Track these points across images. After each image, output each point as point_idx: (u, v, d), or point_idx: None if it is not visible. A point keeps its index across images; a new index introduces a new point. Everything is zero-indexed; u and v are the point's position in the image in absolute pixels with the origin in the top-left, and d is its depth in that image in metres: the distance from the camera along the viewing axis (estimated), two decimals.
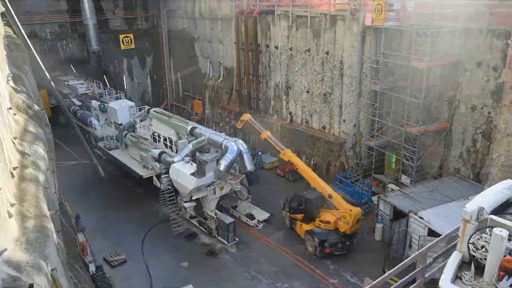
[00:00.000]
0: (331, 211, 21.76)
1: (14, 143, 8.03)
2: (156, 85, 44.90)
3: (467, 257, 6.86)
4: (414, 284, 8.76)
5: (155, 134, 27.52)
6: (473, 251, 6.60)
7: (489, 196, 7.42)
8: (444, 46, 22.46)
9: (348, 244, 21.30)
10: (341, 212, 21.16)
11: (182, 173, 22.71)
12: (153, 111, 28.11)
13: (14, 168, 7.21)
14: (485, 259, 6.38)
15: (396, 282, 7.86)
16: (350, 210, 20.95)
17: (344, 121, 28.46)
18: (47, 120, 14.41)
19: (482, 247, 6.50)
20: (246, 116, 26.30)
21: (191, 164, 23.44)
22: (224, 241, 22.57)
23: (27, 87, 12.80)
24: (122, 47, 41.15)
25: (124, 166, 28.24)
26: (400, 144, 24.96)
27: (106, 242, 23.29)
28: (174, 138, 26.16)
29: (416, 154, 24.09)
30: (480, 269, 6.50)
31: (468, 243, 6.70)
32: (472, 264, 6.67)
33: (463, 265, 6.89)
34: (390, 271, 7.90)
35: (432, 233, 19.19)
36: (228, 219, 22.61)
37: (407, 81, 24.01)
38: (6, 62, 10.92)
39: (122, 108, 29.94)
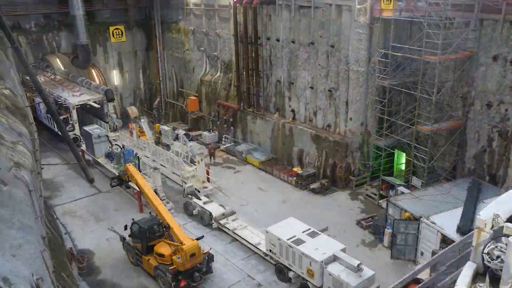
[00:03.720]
0: (169, 242, 20.29)
1: None
2: (149, 80, 44.89)
3: (481, 267, 6.85)
4: None
5: None
6: (488, 261, 6.58)
7: (505, 203, 7.42)
8: (457, 39, 22.45)
9: (205, 270, 20.32)
10: (175, 245, 19.76)
11: None
12: None
13: None
14: (501, 270, 6.36)
15: None
16: (182, 243, 19.35)
17: (350, 119, 28.47)
18: (32, 118, 14.41)
19: (498, 257, 6.48)
20: (128, 168, 24.65)
21: None
22: None
23: (10, 83, 12.81)
24: (112, 40, 41.07)
25: None
26: (411, 143, 24.97)
27: None
28: None
29: (428, 155, 24.09)
30: (495, 281, 6.48)
31: (483, 252, 6.69)
32: (487, 275, 6.66)
33: (478, 276, 6.89)
34: (400, 280, 7.92)
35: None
36: None
37: (418, 76, 24.01)
38: None
39: None
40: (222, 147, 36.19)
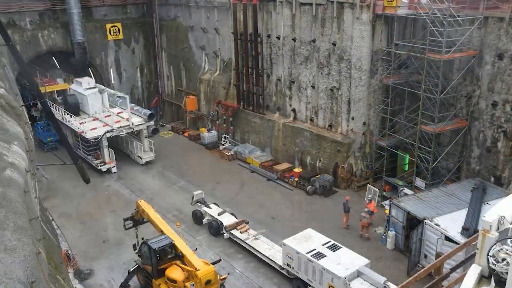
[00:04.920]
0: (182, 266, 18.65)
1: None
2: (147, 79, 44.88)
3: (486, 270, 6.85)
4: None
5: None
6: (493, 264, 6.57)
7: (511, 204, 7.41)
8: (462, 37, 22.45)
9: None
10: (189, 270, 18.17)
11: None
12: None
13: None
14: (507, 273, 6.35)
15: None
16: (196, 269, 17.77)
17: (352, 118, 28.47)
18: (27, 118, 14.41)
19: (503, 260, 6.48)
20: (140, 204, 21.33)
21: None
22: None
23: (4, 82, 12.82)
24: (109, 37, 41.08)
25: None
26: (414, 144, 24.97)
27: None
28: None
29: (432, 155, 24.08)
30: (501, 284, 6.47)
31: (488, 255, 6.68)
32: (492, 278, 6.65)
33: (482, 279, 6.88)
34: (402, 284, 7.91)
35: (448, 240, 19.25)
36: None
37: (421, 75, 24.01)
38: None
39: None
40: (221, 147, 36.19)
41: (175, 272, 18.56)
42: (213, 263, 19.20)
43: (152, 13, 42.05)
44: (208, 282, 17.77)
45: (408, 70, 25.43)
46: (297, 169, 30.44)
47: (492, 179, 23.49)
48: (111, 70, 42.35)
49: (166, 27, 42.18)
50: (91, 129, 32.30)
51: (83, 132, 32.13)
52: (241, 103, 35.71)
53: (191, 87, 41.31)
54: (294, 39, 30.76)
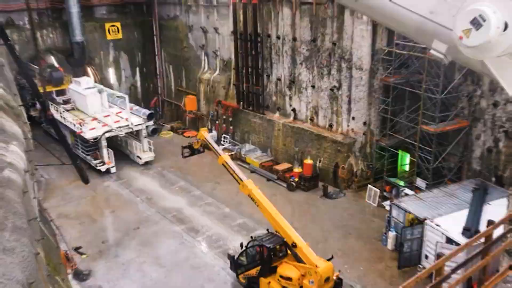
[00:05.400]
0: (295, 263, 18.12)
1: None
2: (146, 78, 44.90)
3: None
4: None
5: None
6: None
7: None
8: None
9: None
10: (306, 267, 17.56)
11: None
12: None
13: None
14: None
15: None
16: (316, 266, 17.19)
17: (353, 118, 28.48)
18: (26, 117, 14.42)
19: None
20: (202, 135, 23.22)
21: None
22: None
23: (3, 81, 12.82)
24: (109, 37, 41.10)
25: None
26: (415, 144, 24.98)
27: None
28: None
29: (433, 155, 24.09)
30: None
31: None
32: None
33: None
34: (403, 285, 7.91)
35: (450, 241, 19.26)
36: None
37: (422, 74, 24.02)
38: None
39: None
40: (221, 147, 36.18)
41: (289, 269, 18.04)
42: (329, 260, 18.14)
43: (152, 13, 42.08)
44: (327, 279, 17.25)
45: (409, 70, 25.44)
46: (297, 170, 30.43)
47: (494, 179, 23.50)
48: (110, 69, 42.38)
49: (165, 26, 42.20)
50: (90, 129, 32.38)
51: (82, 132, 32.25)
52: (241, 103, 35.71)
53: (191, 86, 41.32)
54: (294, 39, 30.77)
